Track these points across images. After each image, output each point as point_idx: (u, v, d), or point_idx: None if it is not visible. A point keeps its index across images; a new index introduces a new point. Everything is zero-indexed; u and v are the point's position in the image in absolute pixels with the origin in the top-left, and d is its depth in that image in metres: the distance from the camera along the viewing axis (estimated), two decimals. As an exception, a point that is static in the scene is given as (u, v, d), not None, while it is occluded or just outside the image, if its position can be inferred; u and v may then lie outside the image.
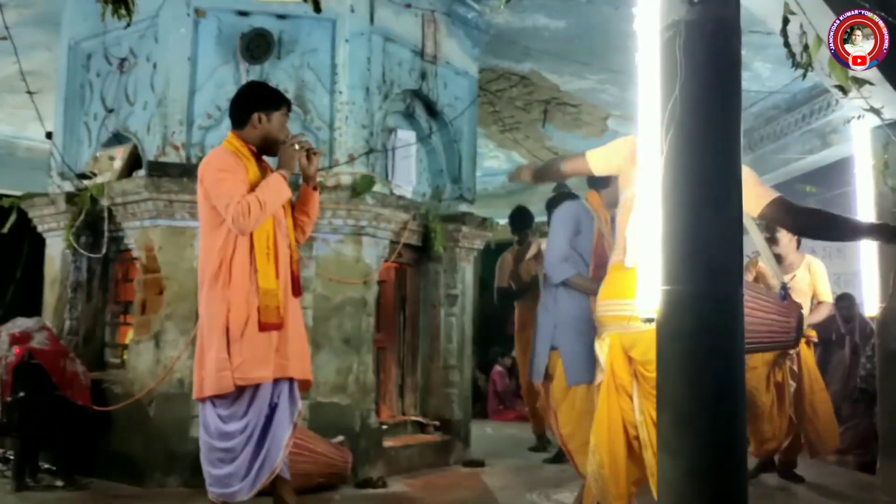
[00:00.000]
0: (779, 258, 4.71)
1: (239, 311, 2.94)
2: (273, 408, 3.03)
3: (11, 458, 4.32)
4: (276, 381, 3.03)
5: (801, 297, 4.66)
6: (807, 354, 4.75)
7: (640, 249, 2.76)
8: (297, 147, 3.10)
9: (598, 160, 3.12)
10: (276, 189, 2.99)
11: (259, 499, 3.08)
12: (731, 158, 2.34)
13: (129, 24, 2.88)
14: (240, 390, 2.95)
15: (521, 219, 6.19)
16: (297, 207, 3.26)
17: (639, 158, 2.96)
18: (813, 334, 4.83)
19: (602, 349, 2.96)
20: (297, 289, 3.16)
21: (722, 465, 2.26)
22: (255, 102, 3.13)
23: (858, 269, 4.51)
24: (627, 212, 2.95)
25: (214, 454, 2.96)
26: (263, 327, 2.96)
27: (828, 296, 4.76)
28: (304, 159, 3.15)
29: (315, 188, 3.24)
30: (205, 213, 3.04)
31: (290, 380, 3.09)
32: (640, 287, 2.61)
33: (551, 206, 5.44)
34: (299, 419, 3.16)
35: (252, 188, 2.98)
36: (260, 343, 2.96)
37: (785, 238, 4.73)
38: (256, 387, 2.98)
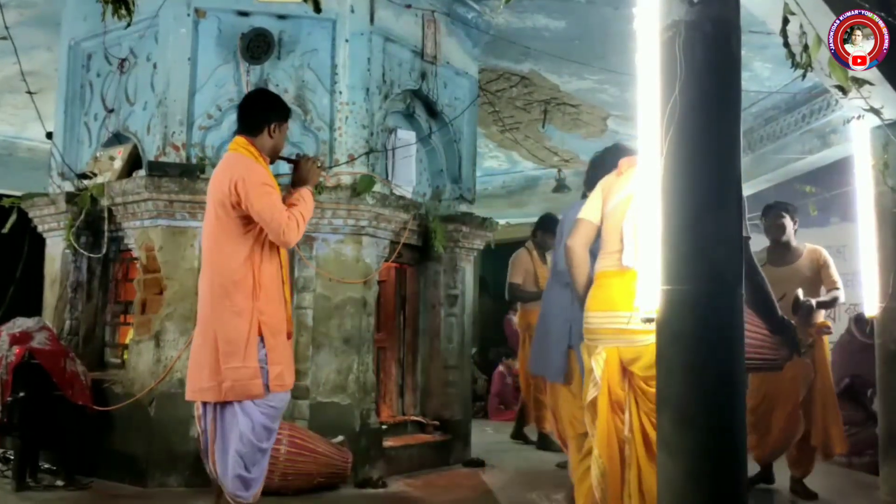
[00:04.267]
0: (783, 245, 4.74)
1: (274, 321, 3.00)
2: None
3: (12, 457, 4.32)
4: None
5: (802, 284, 4.60)
6: (820, 347, 4.59)
7: (639, 250, 2.75)
8: (319, 165, 3.22)
9: (591, 211, 3.05)
10: (311, 206, 3.12)
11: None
12: (731, 159, 2.35)
13: (129, 24, 2.88)
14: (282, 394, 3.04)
15: (549, 225, 6.02)
16: None
17: (615, 178, 3.03)
18: (827, 323, 4.69)
19: (598, 363, 2.83)
20: (289, 297, 3.25)
21: (722, 464, 2.27)
22: (271, 112, 3.15)
23: (858, 269, 4.49)
24: (618, 218, 2.93)
25: (257, 455, 2.98)
26: (289, 336, 3.10)
27: (835, 283, 4.61)
28: None
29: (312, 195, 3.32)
30: (230, 219, 2.98)
31: None
32: (639, 287, 2.59)
33: None
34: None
35: None
36: (288, 351, 3.09)
37: (790, 226, 4.74)
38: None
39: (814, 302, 4.53)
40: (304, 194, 3.10)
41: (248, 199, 2.93)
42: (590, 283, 3.05)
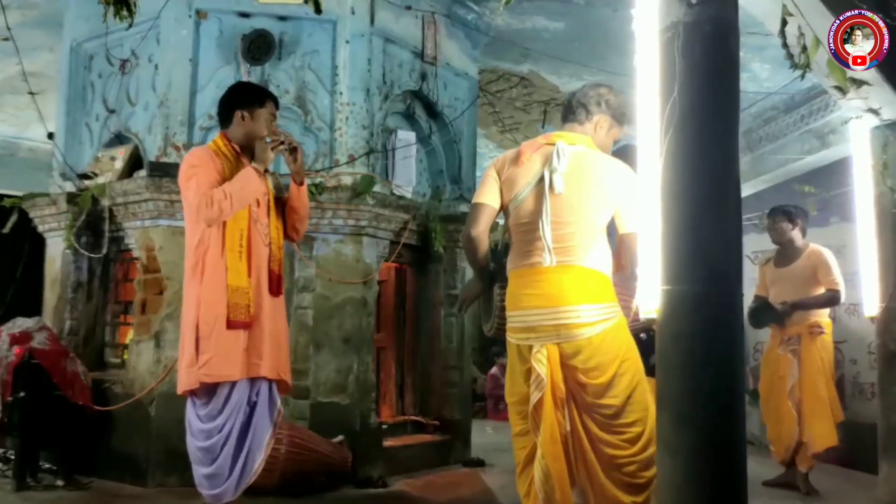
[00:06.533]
0: (786, 247, 4.87)
1: (209, 309, 2.95)
2: (252, 407, 3.04)
3: (12, 457, 4.32)
4: (254, 381, 3.04)
5: (799, 285, 4.73)
6: (810, 345, 4.69)
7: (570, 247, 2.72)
8: (268, 140, 3.10)
9: (491, 195, 2.94)
10: (244, 181, 2.98)
11: (248, 498, 3.10)
12: (730, 159, 2.35)
13: (130, 26, 2.90)
14: (214, 388, 2.97)
15: None
16: (287, 205, 3.27)
17: (514, 164, 2.92)
18: (822, 324, 4.75)
19: (540, 362, 2.70)
20: (275, 288, 3.13)
21: (721, 464, 2.27)
22: (236, 100, 3.16)
23: (858, 269, 4.50)
24: (528, 213, 2.82)
25: (197, 453, 2.99)
26: (231, 325, 2.96)
27: (833, 283, 4.69)
28: (287, 155, 3.15)
29: (300, 183, 3.23)
30: (185, 210, 3.08)
31: (270, 379, 3.10)
32: (592, 286, 2.64)
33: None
34: (279, 418, 3.16)
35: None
36: (227, 341, 2.95)
37: (786, 229, 4.84)
38: (232, 386, 2.99)
39: (788, 304, 4.70)
40: (241, 172, 3.01)
41: (180, 185, 3.02)
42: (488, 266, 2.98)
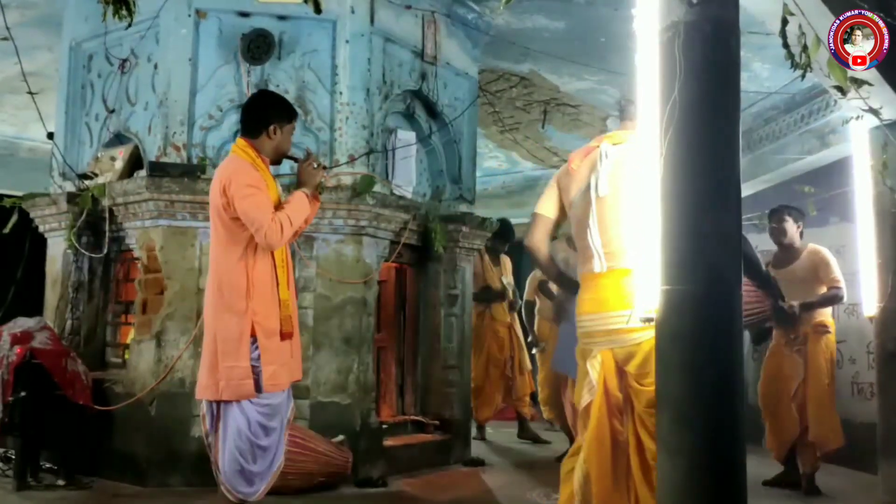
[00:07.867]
0: (786, 248, 4.89)
1: (267, 322, 2.99)
2: None
3: (13, 457, 4.33)
4: None
5: (801, 285, 4.74)
6: (816, 345, 4.72)
7: (629, 251, 2.70)
8: (315, 166, 3.17)
9: (547, 206, 2.98)
10: (303, 208, 3.08)
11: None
12: (730, 159, 2.36)
13: (130, 25, 2.89)
14: (272, 394, 3.02)
15: (502, 230, 6.18)
16: None
17: (566, 174, 2.94)
18: (827, 323, 4.77)
19: (594, 367, 2.75)
20: (296, 294, 3.30)
21: (721, 464, 2.27)
22: (272, 114, 3.13)
23: (857, 269, 4.51)
24: (581, 218, 2.85)
25: (255, 451, 2.99)
26: (284, 336, 3.04)
27: (834, 281, 4.73)
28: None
29: (316, 197, 3.29)
30: (223, 221, 3.01)
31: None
32: (637, 289, 2.57)
33: None
34: (293, 416, 3.23)
35: (273, 204, 3.03)
36: (284, 351, 3.05)
37: (792, 228, 4.87)
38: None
39: (796, 306, 4.66)
40: (296, 197, 3.08)
41: (233, 201, 2.96)
42: (564, 276, 3.12)
